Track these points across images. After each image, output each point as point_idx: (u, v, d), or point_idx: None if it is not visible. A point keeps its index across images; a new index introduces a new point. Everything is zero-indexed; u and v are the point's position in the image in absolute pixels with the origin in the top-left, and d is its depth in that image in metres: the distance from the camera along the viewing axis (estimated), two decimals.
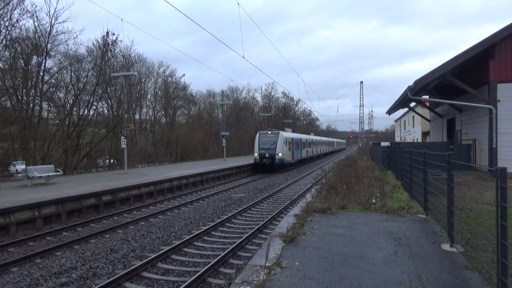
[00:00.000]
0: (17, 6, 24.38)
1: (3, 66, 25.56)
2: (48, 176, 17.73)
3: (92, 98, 31.78)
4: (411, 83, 18.17)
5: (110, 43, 32.08)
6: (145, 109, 46.75)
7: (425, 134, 38.30)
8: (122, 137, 23.28)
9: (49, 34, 26.52)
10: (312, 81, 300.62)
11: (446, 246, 6.78)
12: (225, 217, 12.61)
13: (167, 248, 9.00)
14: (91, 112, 32.86)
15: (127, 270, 7.43)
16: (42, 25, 26.41)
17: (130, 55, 38.63)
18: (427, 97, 25.95)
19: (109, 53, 32.81)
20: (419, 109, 34.13)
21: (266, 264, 5.96)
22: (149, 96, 46.84)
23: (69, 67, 30.14)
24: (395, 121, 68.60)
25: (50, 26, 26.44)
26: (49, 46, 26.90)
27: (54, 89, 29.72)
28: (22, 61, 26.80)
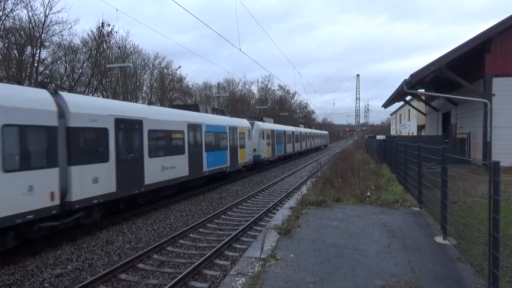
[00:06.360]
0: None
1: None
2: None
3: (87, 90, 31.56)
4: None
5: (106, 34, 31.77)
6: (140, 101, 46.46)
7: (420, 127, 38.45)
8: None
9: (43, 25, 26.20)
10: (316, 75, 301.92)
11: (439, 239, 6.86)
12: (221, 209, 12.64)
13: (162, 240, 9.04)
14: None
15: (122, 262, 7.46)
16: (36, 15, 26.08)
17: (125, 46, 38.32)
18: (423, 90, 26.02)
19: (104, 44, 32.51)
20: (415, 103, 34.22)
21: (261, 256, 6.00)
22: (144, 88, 46.55)
23: (64, 58, 29.87)
24: (391, 114, 68.75)
25: (45, 16, 26.13)
26: (43, 36, 26.62)
27: (48, 80, 29.43)
28: (16, 51, 26.51)
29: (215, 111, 20.00)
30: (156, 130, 12.69)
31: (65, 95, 9.48)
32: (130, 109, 11.93)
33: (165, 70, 48.23)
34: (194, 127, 15.61)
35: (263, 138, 26.84)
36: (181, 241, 9.25)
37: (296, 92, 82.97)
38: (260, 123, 27.58)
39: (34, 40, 26.23)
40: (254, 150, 25.16)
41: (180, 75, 51.18)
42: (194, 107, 17.82)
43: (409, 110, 43.35)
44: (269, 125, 29.70)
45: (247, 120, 25.07)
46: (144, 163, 11.30)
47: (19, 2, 24.63)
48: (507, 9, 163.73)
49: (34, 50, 26.66)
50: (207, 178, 17.42)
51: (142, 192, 10.99)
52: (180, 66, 65.53)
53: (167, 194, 14.24)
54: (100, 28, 31.18)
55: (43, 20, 26.12)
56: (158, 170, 12.67)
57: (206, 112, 18.45)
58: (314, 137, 53.96)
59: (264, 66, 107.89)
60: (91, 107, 10.16)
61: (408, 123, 46.20)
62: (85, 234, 9.88)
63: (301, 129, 44.47)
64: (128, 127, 11.39)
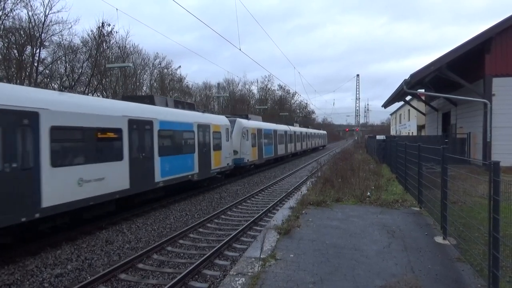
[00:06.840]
0: None
1: None
2: None
3: (87, 90, 31.56)
4: None
5: (106, 34, 31.76)
6: None
7: (420, 127, 38.46)
8: None
9: (43, 24, 26.21)
10: (316, 75, 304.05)
11: (439, 239, 6.86)
12: (221, 209, 12.63)
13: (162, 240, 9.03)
14: None
15: (122, 262, 7.45)
16: (36, 15, 26.10)
17: (125, 46, 38.32)
18: (423, 90, 26.03)
19: (104, 44, 32.50)
20: (415, 103, 34.23)
21: (261, 256, 6.00)
22: (144, 88, 46.48)
23: (64, 58, 29.89)
24: (391, 114, 68.76)
25: (45, 16, 26.13)
26: (43, 36, 26.63)
27: (48, 80, 29.45)
28: (16, 51, 26.52)
29: (179, 104, 16.30)
30: (67, 127, 9.05)
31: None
32: (14, 95, 7.92)
33: (165, 70, 48.28)
34: (140, 124, 11.96)
35: (247, 139, 22.92)
36: (181, 241, 9.25)
37: (296, 92, 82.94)
38: (243, 120, 23.54)
39: (34, 39, 26.23)
40: (235, 152, 21.37)
41: (180, 75, 51.22)
42: (148, 99, 14.11)
43: (409, 110, 43.34)
44: (254, 123, 25.60)
45: (226, 117, 21.32)
46: (42, 176, 8.02)
47: (19, 2, 24.67)
48: (507, 9, 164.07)
49: (34, 50, 26.69)
50: (163, 189, 13.59)
51: (37, 218, 7.85)
52: (180, 66, 65.50)
53: (95, 215, 10.48)
54: (100, 28, 31.19)
55: (43, 20, 26.15)
56: (71, 184, 8.98)
57: (166, 105, 14.88)
58: (311, 137, 49.99)
59: (264, 66, 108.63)
60: None
61: (408, 123, 46.20)
62: (85, 234, 9.87)
63: (296, 128, 40.40)
64: (8, 123, 7.57)
